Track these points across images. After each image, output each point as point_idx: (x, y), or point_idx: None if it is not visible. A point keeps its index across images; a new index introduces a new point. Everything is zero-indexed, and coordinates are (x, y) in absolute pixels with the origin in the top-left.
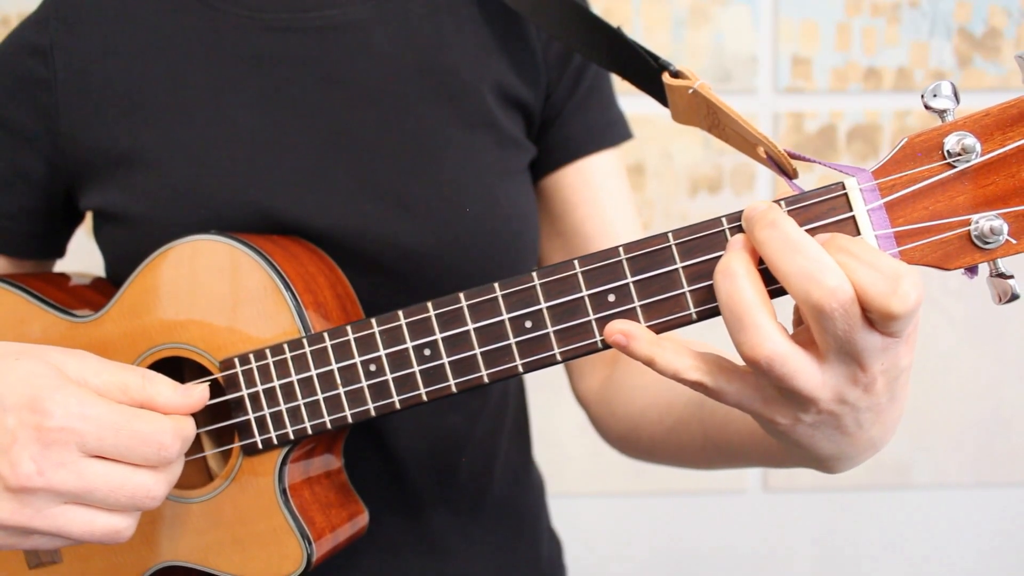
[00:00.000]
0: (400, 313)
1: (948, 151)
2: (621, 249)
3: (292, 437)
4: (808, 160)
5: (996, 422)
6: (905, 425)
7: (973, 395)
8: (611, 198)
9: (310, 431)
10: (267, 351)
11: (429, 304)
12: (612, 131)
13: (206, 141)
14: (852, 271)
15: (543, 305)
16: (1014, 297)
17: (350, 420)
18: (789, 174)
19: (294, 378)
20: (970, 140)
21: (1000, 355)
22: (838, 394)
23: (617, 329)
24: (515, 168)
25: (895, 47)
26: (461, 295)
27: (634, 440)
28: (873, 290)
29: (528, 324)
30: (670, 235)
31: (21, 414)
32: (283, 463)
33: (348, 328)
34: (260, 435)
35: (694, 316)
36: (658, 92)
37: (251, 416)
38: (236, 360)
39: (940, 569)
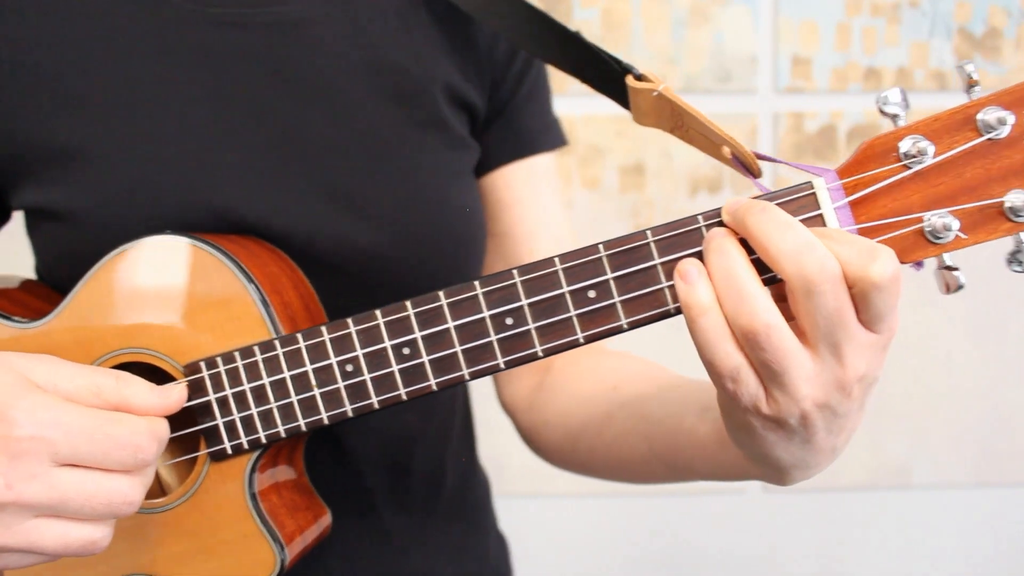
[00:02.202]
0: (378, 312)
1: (904, 153)
2: (601, 246)
3: (264, 441)
4: (775, 161)
5: (996, 422)
6: (905, 425)
7: (973, 395)
8: (544, 201)
9: (283, 434)
10: (236, 354)
11: (408, 303)
12: (549, 135)
13: (155, 137)
14: (835, 250)
15: (524, 302)
16: (959, 287)
17: (326, 422)
18: (755, 174)
19: (266, 381)
20: (923, 143)
21: (1000, 355)
22: (821, 393)
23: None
24: (464, 169)
25: (895, 47)
26: (440, 293)
27: (570, 451)
28: (855, 262)
29: (509, 321)
30: (648, 232)
31: None
32: (253, 468)
33: (323, 328)
34: (230, 440)
35: (672, 311)
36: (619, 95)
37: (220, 421)
38: (202, 364)
39: (940, 569)
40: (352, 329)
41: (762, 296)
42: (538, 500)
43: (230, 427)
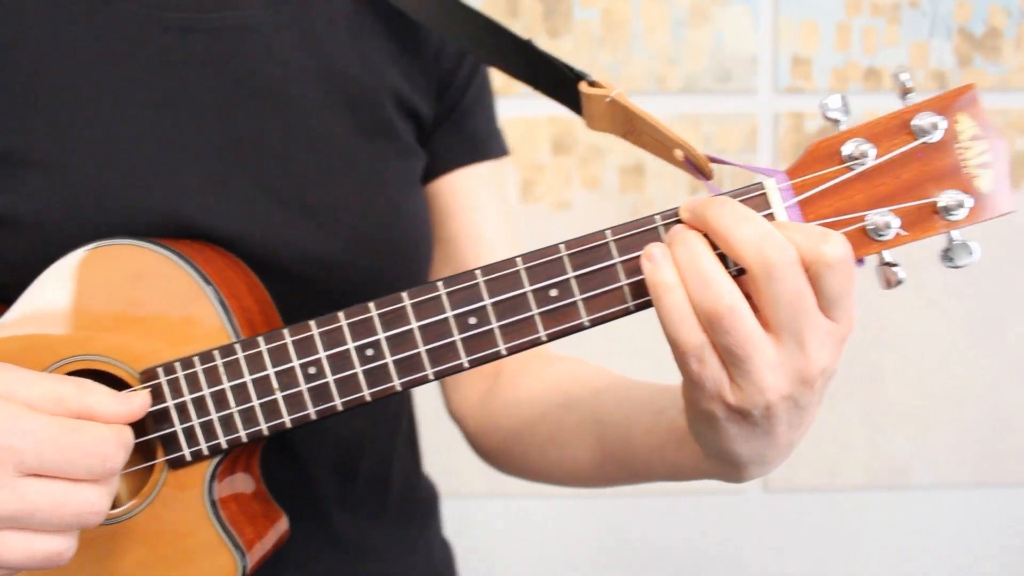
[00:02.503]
0: (341, 314)
1: (848, 155)
2: (562, 246)
3: (225, 447)
4: (727, 163)
5: (996, 422)
6: (905, 425)
7: (973, 395)
8: (489, 207)
9: (245, 439)
10: (195, 359)
11: (371, 304)
12: (493, 144)
13: (106, 141)
14: (790, 236)
15: (487, 301)
16: (899, 282)
17: (289, 425)
18: (707, 175)
19: (226, 385)
20: (865, 146)
21: (1000, 355)
22: (786, 383)
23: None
24: (414, 176)
25: (895, 47)
26: (404, 294)
27: (521, 456)
28: (809, 245)
29: (473, 321)
30: (608, 232)
31: None
32: (213, 475)
33: (285, 331)
34: (189, 447)
35: (632, 308)
36: (571, 101)
37: (178, 427)
38: (159, 370)
39: (940, 569)
40: (315, 331)
41: (726, 281)
42: (538, 500)
43: (189, 433)
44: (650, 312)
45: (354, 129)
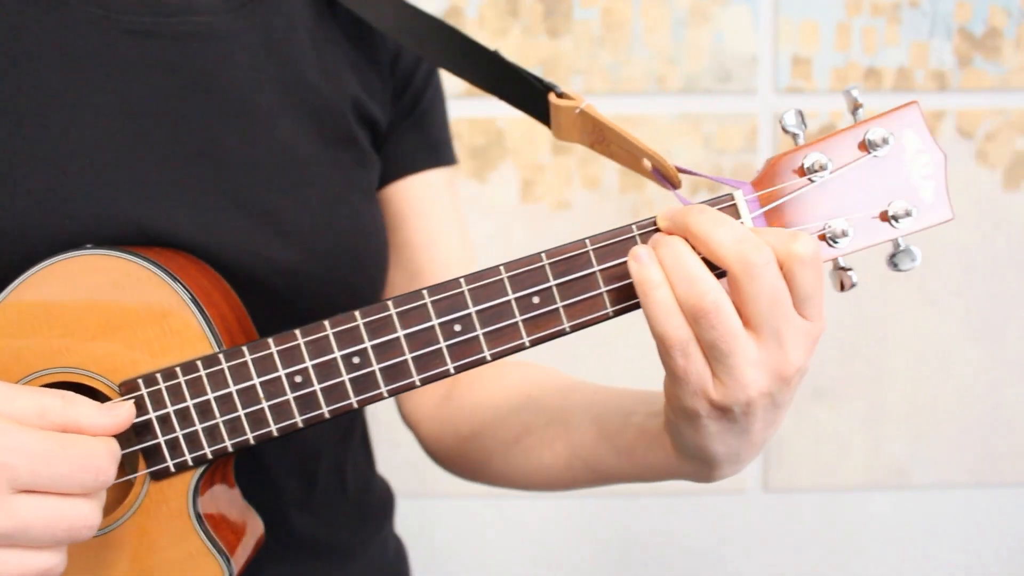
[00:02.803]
0: (326, 323)
1: (807, 167)
2: (544, 255)
3: (210, 457)
4: (695, 174)
5: (996, 422)
6: (905, 425)
7: (973, 395)
8: (442, 213)
9: (231, 449)
10: (177, 369)
11: (356, 313)
12: (445, 150)
13: (65, 147)
14: (764, 237)
15: (472, 309)
16: (853, 285)
17: (276, 434)
18: (675, 184)
19: (211, 396)
20: (823, 159)
21: (1000, 355)
22: (766, 380)
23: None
24: (372, 185)
25: (895, 47)
26: (389, 302)
27: (482, 461)
28: (781, 244)
29: (458, 328)
30: (587, 241)
31: None
32: (196, 485)
33: (270, 341)
34: (173, 459)
35: (611, 313)
36: (538, 111)
37: (161, 439)
38: (140, 381)
39: (940, 569)
40: (300, 340)
41: (710, 279)
42: (534, 501)
43: (172, 444)
44: (625, 324)
45: (316, 138)
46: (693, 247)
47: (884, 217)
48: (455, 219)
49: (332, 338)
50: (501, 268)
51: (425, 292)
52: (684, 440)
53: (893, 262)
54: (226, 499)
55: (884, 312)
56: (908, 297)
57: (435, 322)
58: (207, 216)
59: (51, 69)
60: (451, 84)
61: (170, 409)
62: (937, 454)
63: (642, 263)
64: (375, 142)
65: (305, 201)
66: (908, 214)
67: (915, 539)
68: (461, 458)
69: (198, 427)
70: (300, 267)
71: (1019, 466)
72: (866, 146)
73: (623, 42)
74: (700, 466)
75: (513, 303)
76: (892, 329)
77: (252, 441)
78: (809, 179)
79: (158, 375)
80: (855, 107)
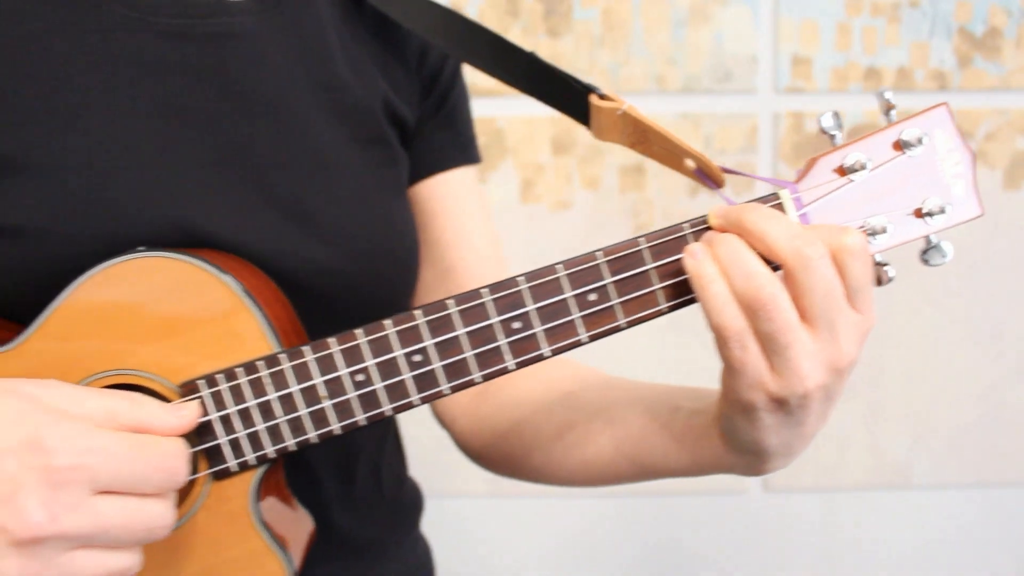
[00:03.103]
0: (388, 322)
1: (848, 167)
2: (600, 253)
3: (272, 456)
4: (740, 174)
5: (996, 422)
6: (905, 425)
7: (973, 395)
8: (471, 210)
9: (294, 447)
10: (238, 370)
11: (417, 311)
12: (471, 148)
13: (104, 148)
14: (815, 233)
15: (531, 307)
16: (891, 279)
17: (338, 432)
18: (719, 184)
19: (272, 396)
20: (862, 158)
21: (1000, 355)
22: (822, 372)
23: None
24: (403, 183)
25: (895, 47)
26: (449, 301)
27: (522, 457)
28: (832, 238)
29: (517, 325)
30: (642, 239)
31: (22, 456)
32: (258, 484)
33: (331, 340)
34: (235, 458)
35: (665, 309)
36: (576, 111)
37: (223, 440)
38: (201, 383)
39: (940, 569)
40: (362, 340)
41: (767, 272)
42: (536, 500)
43: (234, 444)
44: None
45: (348, 138)
46: (747, 243)
47: (919, 214)
48: (484, 216)
49: (393, 336)
50: (559, 266)
51: (485, 291)
52: (739, 434)
53: (925, 258)
54: (280, 497)
55: (884, 312)
56: (908, 297)
57: (495, 320)
58: (246, 217)
59: (88, 71)
60: None
61: (231, 410)
62: (937, 454)
63: (698, 259)
64: (404, 140)
65: (340, 201)
66: (942, 211)
67: (915, 539)
68: (499, 454)
69: (260, 427)
70: (337, 267)
71: (1019, 466)
72: (900, 146)
73: (623, 42)
74: (751, 459)
75: (571, 300)
76: (892, 329)
77: (315, 439)
78: (849, 178)
79: (219, 376)
80: (888, 108)
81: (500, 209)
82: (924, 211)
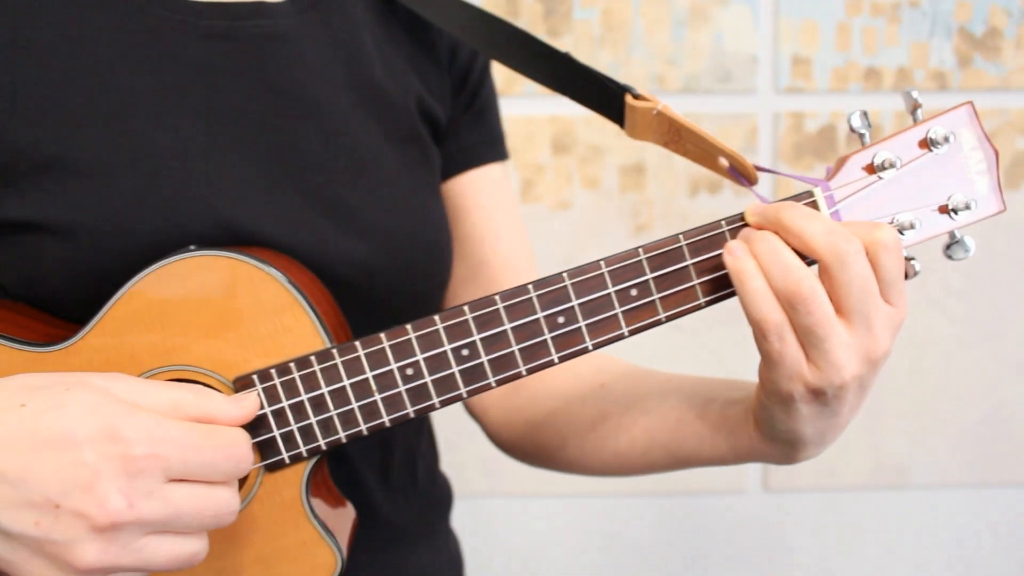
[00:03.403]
0: (436, 318)
1: (877, 165)
2: (640, 250)
3: (324, 448)
4: (775, 172)
5: (996, 422)
6: (905, 425)
7: (973, 395)
8: (502, 206)
9: (345, 440)
10: (292, 365)
11: (465, 307)
12: (501, 145)
13: (152, 149)
14: (850, 229)
15: (575, 302)
16: (916, 273)
17: (388, 425)
18: (752, 181)
19: (324, 390)
20: (891, 156)
21: (1000, 355)
22: (858, 363)
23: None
24: (437, 181)
25: (895, 47)
26: (496, 296)
27: (557, 448)
28: (866, 234)
29: (561, 320)
30: (681, 236)
31: (100, 446)
32: (309, 476)
33: (382, 336)
34: (288, 451)
35: (703, 304)
36: (610, 111)
37: (276, 432)
38: (255, 378)
39: (940, 569)
40: (412, 335)
41: (804, 267)
42: (537, 500)
43: (287, 437)
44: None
45: (384, 137)
46: (784, 240)
47: (944, 210)
48: (514, 212)
49: (442, 331)
50: (601, 263)
51: (530, 287)
52: (776, 424)
53: (948, 253)
54: (325, 487)
55: None
56: (908, 297)
57: (540, 315)
58: (289, 215)
59: (134, 73)
60: None
61: (285, 403)
62: (937, 454)
63: (736, 256)
64: (436, 138)
65: (379, 199)
66: (967, 207)
67: (915, 539)
68: (532, 445)
69: (312, 420)
70: (378, 264)
71: (1019, 466)
72: (928, 144)
73: (623, 42)
74: (786, 449)
75: (613, 296)
76: None
77: (365, 432)
78: (879, 176)
79: (272, 370)
80: (914, 107)
81: None
82: (950, 207)
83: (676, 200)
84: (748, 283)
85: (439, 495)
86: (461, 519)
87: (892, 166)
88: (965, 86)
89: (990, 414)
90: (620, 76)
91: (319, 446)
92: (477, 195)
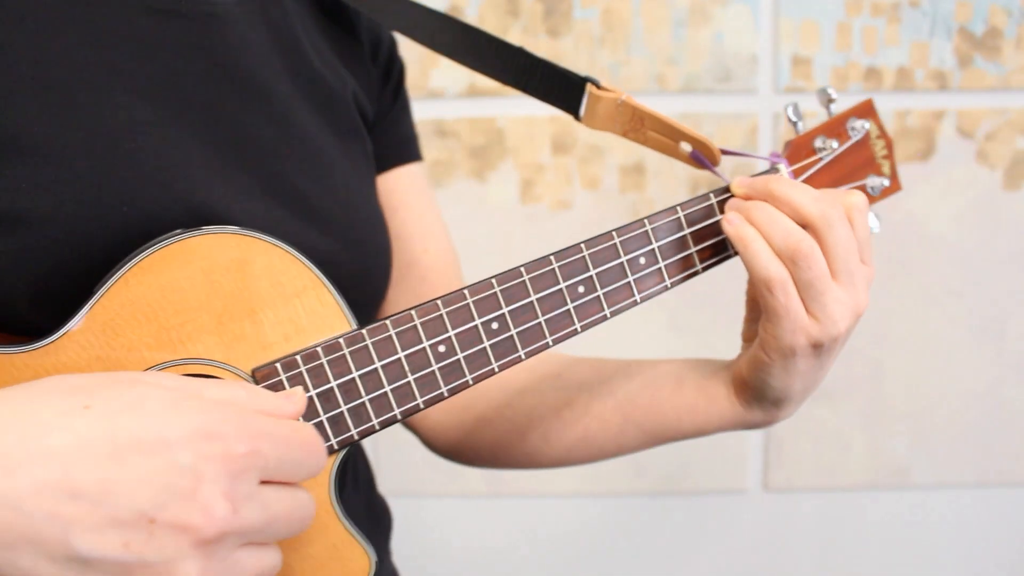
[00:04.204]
0: (466, 291)
1: (818, 148)
2: (646, 220)
3: (356, 438)
4: (735, 153)
5: (996, 422)
6: (905, 425)
7: (973, 395)
8: (428, 204)
9: (378, 427)
10: (319, 350)
11: (493, 279)
12: (417, 144)
13: (103, 127)
14: (830, 195)
15: (592, 272)
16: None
17: (423, 407)
18: (715, 162)
19: (355, 374)
20: (829, 140)
21: (1000, 355)
22: (850, 317)
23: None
24: (374, 176)
25: (895, 47)
26: (521, 268)
27: (516, 442)
28: (843, 199)
29: (581, 289)
30: (678, 208)
31: (196, 446)
32: (337, 472)
33: (413, 312)
34: None
35: (699, 269)
36: (565, 102)
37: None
38: (278, 367)
39: (940, 569)
40: (442, 311)
41: (801, 230)
42: (538, 500)
43: (317, 428)
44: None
45: (329, 128)
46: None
47: (864, 189)
48: (437, 210)
49: (472, 306)
50: (613, 233)
51: (552, 257)
52: (771, 382)
53: None
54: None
55: (884, 312)
56: (908, 297)
57: (562, 285)
58: (252, 203)
59: (75, 49)
60: (452, 84)
61: (312, 392)
62: (937, 454)
63: (735, 224)
64: (368, 134)
65: (332, 191)
66: (878, 187)
67: (915, 539)
68: (483, 443)
69: (343, 408)
70: (335, 256)
71: (1019, 466)
72: (849, 132)
73: (623, 42)
74: (770, 409)
75: (625, 264)
76: (892, 329)
77: (400, 416)
78: (819, 157)
79: (297, 358)
80: (829, 101)
81: (500, 209)
82: (868, 186)
83: (676, 200)
84: (751, 245)
85: (380, 514)
86: (462, 519)
87: (830, 148)
88: (965, 86)
89: (990, 414)
90: (620, 76)
91: (351, 436)
92: (405, 193)
